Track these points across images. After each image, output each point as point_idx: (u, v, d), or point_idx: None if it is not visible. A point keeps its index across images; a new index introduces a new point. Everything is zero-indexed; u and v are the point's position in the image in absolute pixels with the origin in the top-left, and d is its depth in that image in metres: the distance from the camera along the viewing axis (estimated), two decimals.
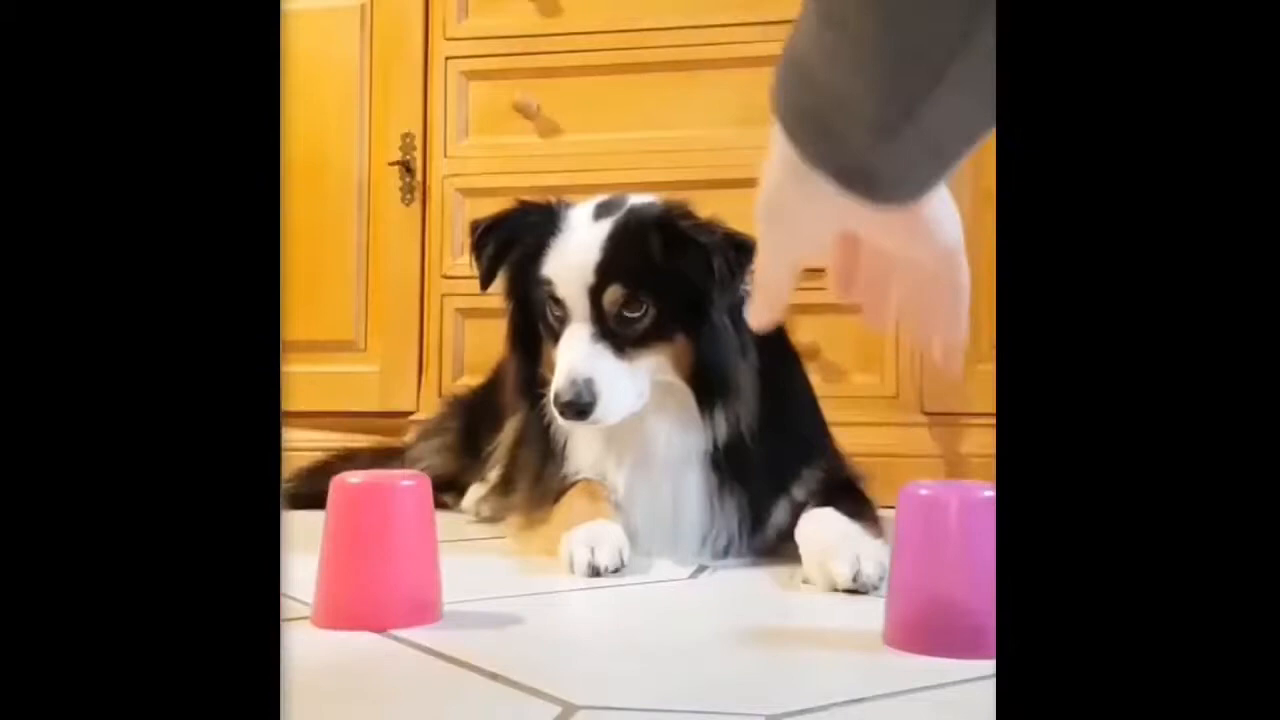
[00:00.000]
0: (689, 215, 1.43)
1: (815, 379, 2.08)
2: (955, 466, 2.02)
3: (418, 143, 2.29)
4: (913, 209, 0.67)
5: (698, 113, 2.16)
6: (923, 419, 2.06)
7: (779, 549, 1.42)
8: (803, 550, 1.30)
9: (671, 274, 1.40)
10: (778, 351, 1.51)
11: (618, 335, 1.40)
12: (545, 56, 2.23)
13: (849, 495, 1.47)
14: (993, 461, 0.56)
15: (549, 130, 2.23)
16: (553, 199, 1.51)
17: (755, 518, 1.45)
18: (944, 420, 2.05)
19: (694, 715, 0.79)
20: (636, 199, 1.48)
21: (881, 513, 1.40)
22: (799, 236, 0.72)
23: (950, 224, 0.71)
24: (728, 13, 2.13)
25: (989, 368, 1.96)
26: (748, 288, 1.39)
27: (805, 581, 1.26)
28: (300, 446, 2.13)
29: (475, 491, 1.87)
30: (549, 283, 1.43)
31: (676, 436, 1.45)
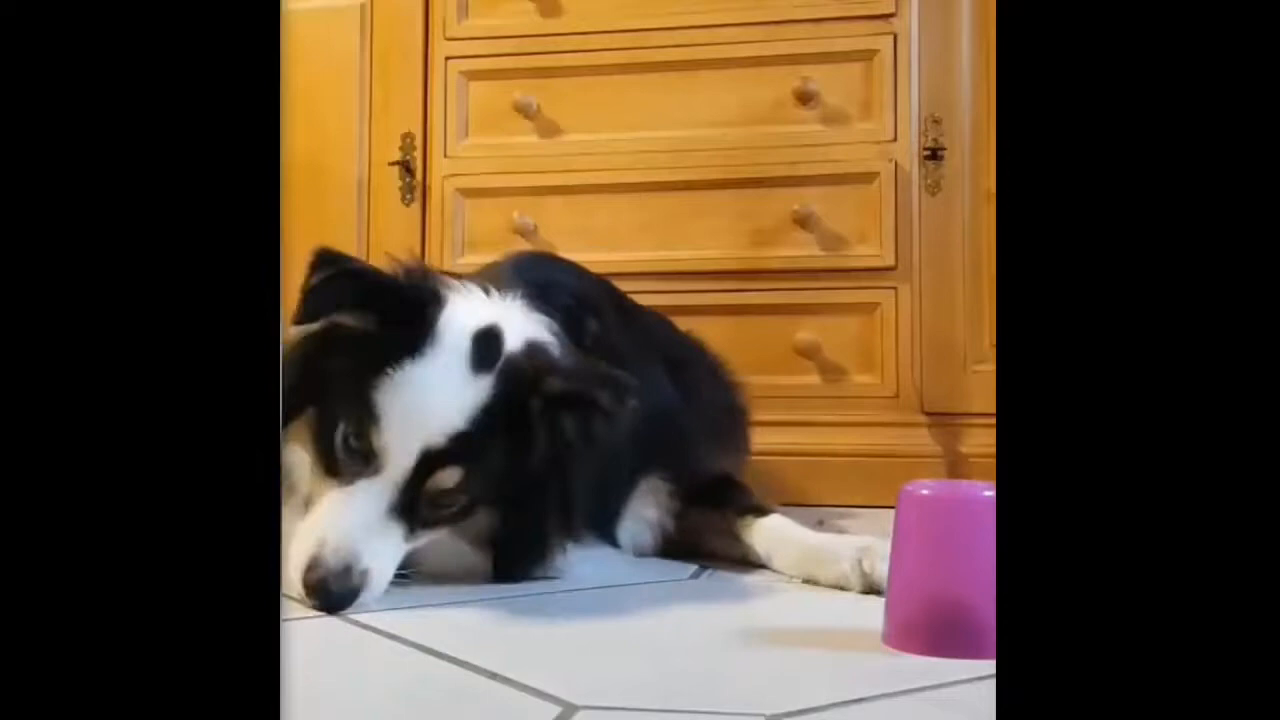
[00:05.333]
0: (559, 365, 1.19)
1: (815, 379, 2.10)
2: (955, 466, 2.01)
3: (418, 143, 2.29)
4: None
5: (698, 113, 2.15)
6: (923, 419, 2.05)
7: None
8: (819, 558, 1.26)
9: (510, 444, 1.13)
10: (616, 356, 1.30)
11: (417, 516, 1.12)
12: (545, 56, 2.22)
13: (731, 491, 1.42)
14: (993, 461, 0.56)
15: (549, 130, 2.23)
16: (434, 286, 1.19)
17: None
18: (944, 420, 2.05)
19: (694, 715, 0.79)
20: (514, 340, 1.18)
21: (881, 513, 1.40)
22: None
23: None
24: (728, 13, 2.13)
25: (989, 368, 1.96)
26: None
27: (811, 583, 1.26)
28: None
29: None
30: (375, 420, 1.09)
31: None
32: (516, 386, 1.15)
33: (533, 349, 1.20)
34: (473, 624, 1.09)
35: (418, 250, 2.29)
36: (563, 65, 2.21)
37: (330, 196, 2.34)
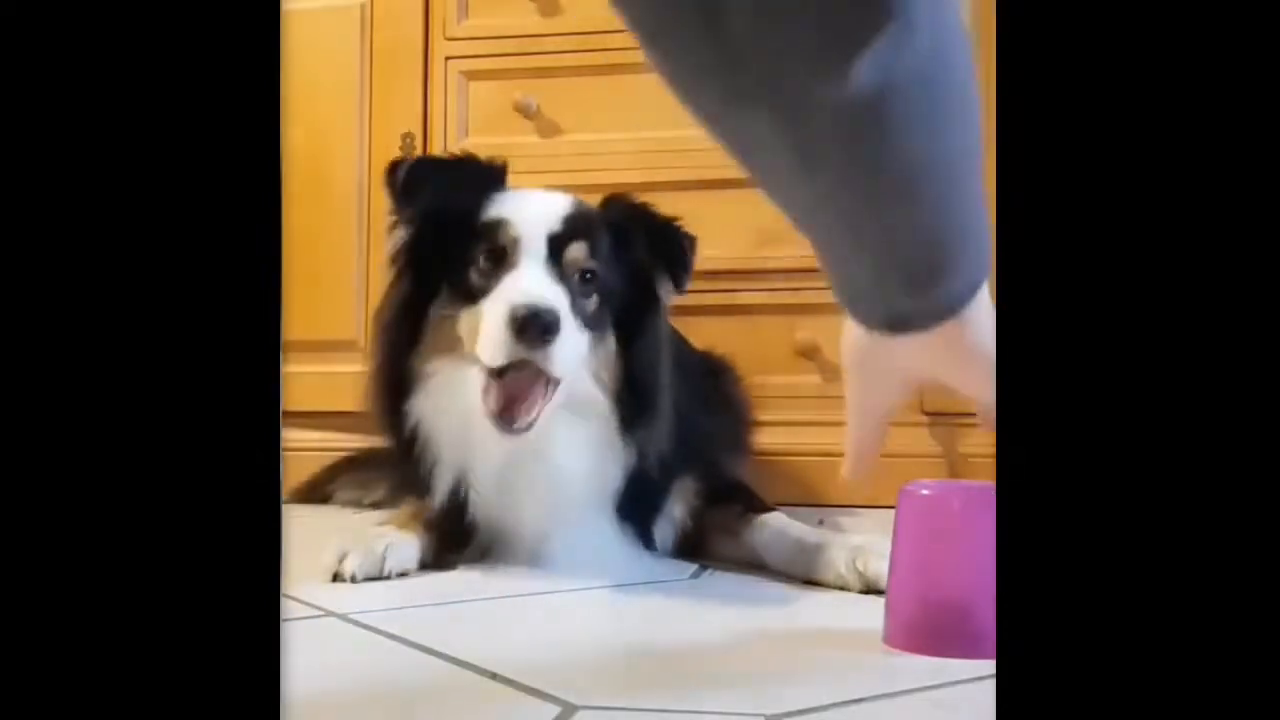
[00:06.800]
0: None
1: (815, 379, 2.10)
2: (955, 466, 2.01)
3: (418, 143, 2.29)
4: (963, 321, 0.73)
5: None
6: (923, 419, 2.05)
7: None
8: (815, 557, 1.27)
9: (619, 265, 1.32)
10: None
11: (573, 294, 1.26)
12: (545, 56, 2.22)
13: (743, 495, 1.45)
14: (993, 461, 0.56)
15: (549, 130, 2.23)
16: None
17: (644, 544, 1.41)
18: (944, 420, 2.05)
19: (694, 715, 0.79)
20: None
21: (881, 513, 1.40)
22: (887, 386, 0.81)
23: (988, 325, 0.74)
24: None
25: None
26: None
27: (811, 583, 1.26)
28: (300, 446, 2.13)
29: None
30: (500, 224, 1.26)
31: (591, 470, 1.33)
32: (604, 206, 1.38)
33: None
34: (473, 624, 1.09)
35: None
36: (563, 65, 2.21)
37: (330, 196, 2.34)
